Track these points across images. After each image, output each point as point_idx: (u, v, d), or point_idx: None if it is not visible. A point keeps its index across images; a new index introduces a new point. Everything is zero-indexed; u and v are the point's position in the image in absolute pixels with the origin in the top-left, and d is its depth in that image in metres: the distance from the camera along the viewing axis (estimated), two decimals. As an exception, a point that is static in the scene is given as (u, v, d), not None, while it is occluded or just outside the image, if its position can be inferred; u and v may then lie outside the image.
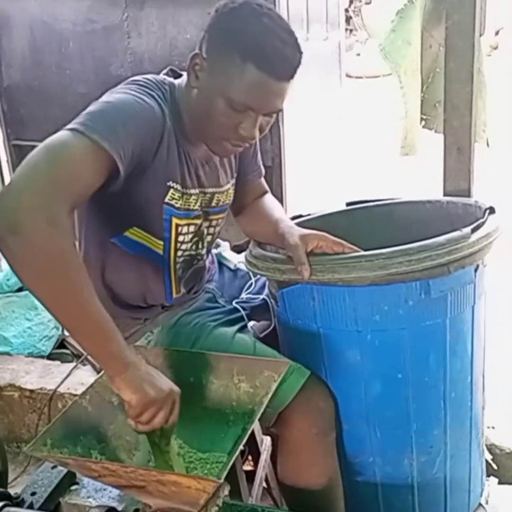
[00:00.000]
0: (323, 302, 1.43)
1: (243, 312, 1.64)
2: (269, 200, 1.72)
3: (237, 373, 1.35)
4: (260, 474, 1.94)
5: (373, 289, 1.38)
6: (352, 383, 1.49)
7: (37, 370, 2.64)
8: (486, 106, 1.86)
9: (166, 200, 1.41)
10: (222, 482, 1.07)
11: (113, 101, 1.29)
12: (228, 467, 1.11)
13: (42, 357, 2.77)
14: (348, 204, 1.89)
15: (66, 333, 2.79)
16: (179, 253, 1.50)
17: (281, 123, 2.82)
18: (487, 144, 1.90)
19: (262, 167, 1.73)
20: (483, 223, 1.47)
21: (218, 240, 1.88)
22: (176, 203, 1.42)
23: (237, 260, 1.86)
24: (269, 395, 1.25)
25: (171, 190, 1.41)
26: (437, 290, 1.37)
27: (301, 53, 1.33)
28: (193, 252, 1.54)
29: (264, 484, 1.94)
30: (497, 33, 11.32)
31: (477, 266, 1.45)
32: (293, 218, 1.78)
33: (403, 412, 1.48)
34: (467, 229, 1.40)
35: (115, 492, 1.63)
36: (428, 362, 1.46)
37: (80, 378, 2.54)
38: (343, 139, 6.19)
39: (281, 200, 2.83)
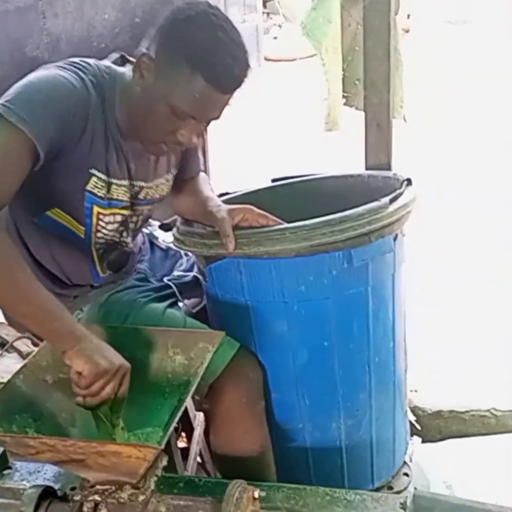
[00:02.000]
0: (250, 275, 1.46)
1: (174, 288, 1.66)
2: (201, 179, 1.73)
3: (172, 346, 1.37)
4: (194, 449, 1.98)
5: (298, 261, 1.42)
6: (280, 353, 1.53)
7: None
8: (403, 83, 1.93)
9: (88, 187, 1.41)
10: (162, 448, 1.09)
11: (35, 81, 1.29)
12: (167, 435, 1.13)
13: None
14: (273, 180, 1.92)
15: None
16: (100, 235, 1.50)
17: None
18: (404, 120, 1.98)
19: (201, 158, 1.74)
20: (401, 193, 1.53)
21: (150, 220, 1.88)
22: (99, 191, 1.42)
23: (167, 238, 1.88)
24: (204, 366, 1.27)
25: (94, 178, 1.40)
26: (359, 259, 1.43)
27: (248, 68, 1.35)
28: (116, 239, 1.54)
29: (198, 459, 1.98)
30: (408, 17, 11.62)
31: (396, 235, 1.52)
32: (220, 196, 1.80)
33: (330, 379, 1.54)
34: (386, 199, 1.46)
35: (50, 473, 1.62)
36: (352, 329, 1.52)
37: (6, 366, 2.48)
38: (265, 121, 6.24)
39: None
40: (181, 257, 1.80)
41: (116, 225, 1.51)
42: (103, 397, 1.23)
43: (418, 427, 2.03)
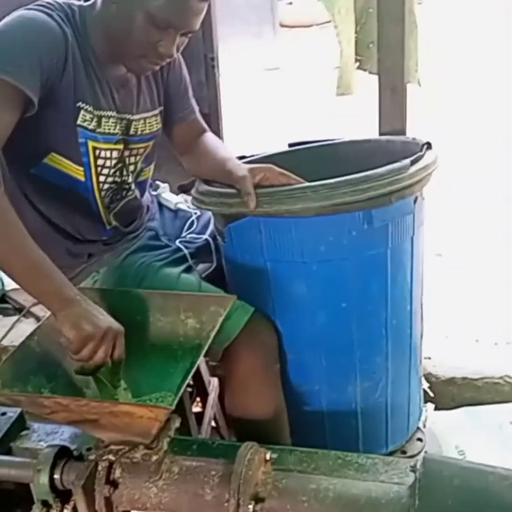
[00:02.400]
0: (269, 234, 1.45)
1: (187, 254, 1.65)
2: (212, 138, 1.73)
3: (184, 310, 1.37)
4: (208, 413, 1.99)
5: (318, 220, 1.41)
6: (298, 314, 1.53)
7: (-25, 323, 2.58)
8: (418, 46, 1.89)
9: (78, 122, 1.41)
10: (173, 409, 1.08)
11: (7, 29, 1.29)
12: (179, 395, 1.12)
13: (-18, 312, 2.71)
14: (290, 145, 1.90)
15: (7, 288, 2.75)
16: (102, 178, 1.49)
17: (217, 70, 2.80)
18: (419, 84, 1.94)
19: (194, 104, 1.72)
20: (422, 156, 1.51)
21: (157, 182, 1.87)
22: (89, 124, 1.42)
23: (176, 200, 1.87)
24: (216, 329, 1.27)
25: (82, 112, 1.40)
26: (379, 220, 1.42)
27: None
28: (117, 179, 1.53)
29: (213, 424, 1.99)
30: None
31: (416, 197, 1.50)
32: (240, 158, 1.79)
33: (347, 340, 1.54)
34: (407, 161, 1.44)
35: (67, 434, 1.64)
36: (370, 291, 1.51)
37: (24, 331, 2.49)
38: (280, 87, 6.17)
39: (219, 147, 2.82)
40: (190, 218, 1.79)
41: (114, 161, 1.49)
42: (97, 361, 1.23)
43: (431, 394, 2.03)
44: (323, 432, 1.65)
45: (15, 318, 2.60)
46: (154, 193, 1.85)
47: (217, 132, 2.90)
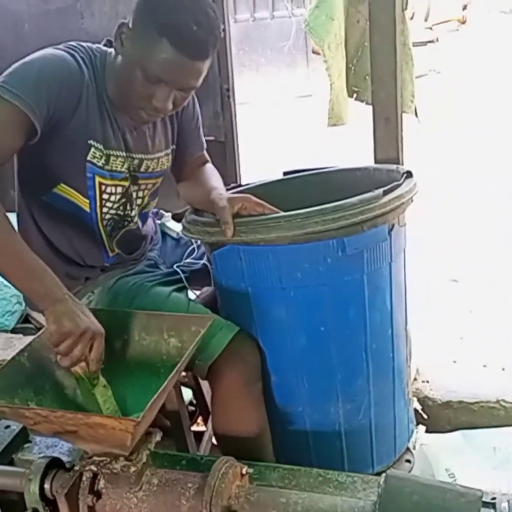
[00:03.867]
0: (249, 261, 1.53)
1: (182, 275, 1.74)
2: (209, 169, 1.82)
3: (167, 329, 1.45)
4: (208, 431, 2.06)
5: (293, 248, 1.48)
6: (279, 337, 1.59)
7: (-1, 343, 2.73)
8: (413, 78, 1.96)
9: (88, 158, 1.50)
10: (139, 421, 1.16)
11: (28, 61, 1.40)
12: (146, 409, 1.19)
13: (5, 331, 2.86)
14: (285, 173, 1.99)
15: (30, 309, 2.88)
16: (105, 209, 1.59)
17: (232, 100, 2.91)
18: (416, 114, 2.00)
19: (203, 141, 1.82)
20: (398, 185, 1.57)
21: (161, 211, 1.98)
22: (98, 161, 1.52)
23: (179, 229, 1.96)
24: (193, 347, 1.35)
25: (93, 149, 1.50)
26: (352, 248, 1.48)
27: (215, 36, 1.42)
28: (120, 212, 1.63)
29: (214, 441, 2.05)
30: (464, 7, 11.43)
31: (393, 225, 1.56)
32: (234, 187, 1.89)
33: (327, 363, 1.59)
34: (379, 191, 1.50)
35: (65, 448, 1.74)
36: (349, 315, 1.57)
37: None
38: (311, 114, 6.28)
39: (235, 173, 2.93)
40: (192, 245, 1.88)
41: (118, 196, 1.59)
42: (73, 357, 1.31)
43: (425, 416, 2.05)
44: (308, 452, 1.70)
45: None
46: (158, 221, 1.95)
47: (233, 160, 3.02)
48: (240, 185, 1.94)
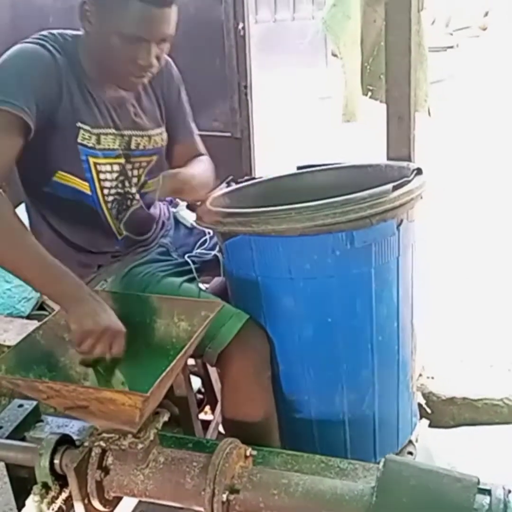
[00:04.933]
0: (260, 252, 1.57)
1: (192, 266, 1.78)
2: (199, 161, 1.82)
3: (177, 313, 1.50)
4: (216, 418, 2.11)
5: (303, 239, 1.52)
6: (287, 326, 1.63)
7: (15, 328, 2.79)
8: (427, 78, 1.99)
9: (79, 140, 1.56)
10: (148, 396, 1.21)
11: (5, 63, 1.45)
12: (155, 384, 1.24)
13: (21, 317, 2.92)
14: (299, 168, 2.02)
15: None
16: (105, 190, 1.64)
17: (250, 97, 2.95)
18: (429, 114, 2.03)
19: (192, 128, 1.85)
20: (408, 181, 1.61)
21: (177, 200, 2.02)
22: (88, 142, 1.57)
23: (193, 219, 2.00)
24: (202, 329, 1.39)
25: (82, 131, 1.55)
26: (361, 241, 1.52)
27: None
28: (120, 191, 1.67)
29: (221, 430, 2.10)
30: (486, 14, 11.41)
31: (401, 220, 1.59)
32: (247, 180, 1.93)
33: (333, 354, 1.63)
34: (389, 186, 1.54)
35: (76, 427, 1.78)
36: (355, 307, 1.60)
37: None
38: (330, 115, 6.33)
39: (250, 169, 2.97)
40: (204, 236, 1.92)
41: (115, 175, 1.64)
42: (95, 355, 1.38)
43: (428, 410, 2.08)
44: (313, 440, 1.74)
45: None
46: (173, 210, 1.99)
47: (249, 156, 3.06)
48: (253, 178, 1.98)
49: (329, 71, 7.93)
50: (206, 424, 2.06)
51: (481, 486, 1.18)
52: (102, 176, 1.62)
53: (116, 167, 1.64)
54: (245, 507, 1.30)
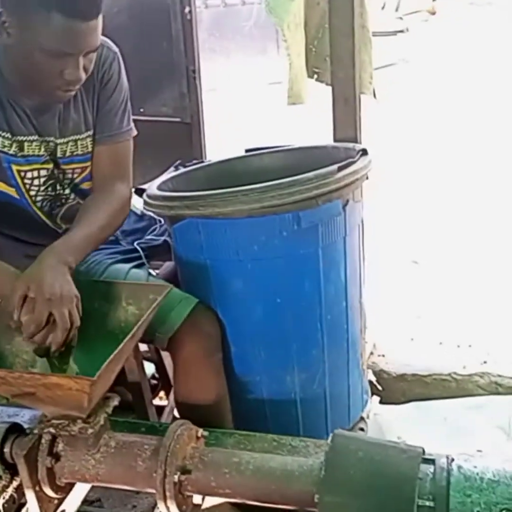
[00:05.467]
0: (207, 234, 1.58)
1: (141, 252, 1.78)
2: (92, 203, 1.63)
3: (125, 297, 1.49)
4: (170, 403, 2.11)
5: (250, 221, 1.53)
6: (237, 308, 1.64)
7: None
8: (372, 60, 2.01)
9: None
10: (94, 380, 1.20)
11: None
12: (102, 368, 1.23)
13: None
14: (247, 151, 2.03)
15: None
16: (32, 193, 1.60)
17: (198, 82, 2.93)
18: (374, 96, 2.06)
19: (121, 127, 1.65)
20: (353, 162, 1.63)
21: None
22: (9, 150, 1.52)
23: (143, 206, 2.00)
24: (149, 312, 1.39)
25: (1, 139, 1.51)
26: (307, 221, 1.54)
27: None
28: (51, 193, 1.63)
29: (176, 414, 2.11)
30: (434, -1, 11.60)
31: (347, 201, 1.62)
32: (194, 164, 1.93)
33: (283, 334, 1.65)
34: (334, 167, 1.56)
35: (27, 416, 1.76)
36: (304, 287, 1.62)
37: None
38: (280, 100, 6.38)
39: (200, 154, 2.96)
40: (155, 223, 1.91)
41: (43, 180, 1.59)
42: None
43: (379, 387, 2.13)
44: (265, 420, 1.76)
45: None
46: None
47: (199, 141, 3.05)
48: (202, 161, 1.98)
49: (280, 57, 7.95)
50: (160, 409, 2.06)
51: (425, 456, 1.21)
52: (26, 181, 1.58)
53: (43, 172, 1.59)
54: (197, 487, 1.32)
